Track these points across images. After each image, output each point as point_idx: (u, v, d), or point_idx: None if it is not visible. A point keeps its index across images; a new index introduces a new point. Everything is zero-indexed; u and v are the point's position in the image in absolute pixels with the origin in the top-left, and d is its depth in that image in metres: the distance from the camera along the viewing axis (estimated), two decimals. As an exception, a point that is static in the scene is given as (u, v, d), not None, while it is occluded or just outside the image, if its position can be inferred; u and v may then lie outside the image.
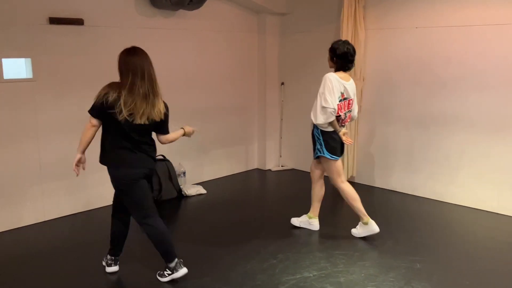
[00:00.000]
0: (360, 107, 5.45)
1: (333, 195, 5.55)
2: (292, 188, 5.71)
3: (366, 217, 3.99)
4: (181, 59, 5.35)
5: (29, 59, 4.19)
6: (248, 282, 3.27)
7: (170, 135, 3.29)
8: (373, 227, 3.96)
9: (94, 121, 3.03)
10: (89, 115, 3.04)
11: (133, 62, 2.99)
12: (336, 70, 3.92)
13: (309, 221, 4.26)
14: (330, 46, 3.94)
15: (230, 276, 3.35)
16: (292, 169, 6.34)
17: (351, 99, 3.94)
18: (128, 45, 4.93)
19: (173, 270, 3.22)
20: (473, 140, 4.72)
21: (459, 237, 4.13)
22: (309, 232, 4.18)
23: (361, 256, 3.67)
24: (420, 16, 4.92)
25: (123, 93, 2.93)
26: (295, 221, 4.32)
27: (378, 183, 5.51)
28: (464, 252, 3.80)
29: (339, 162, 4.04)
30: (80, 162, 3.18)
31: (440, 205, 4.90)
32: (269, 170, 6.34)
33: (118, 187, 3.14)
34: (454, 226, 4.41)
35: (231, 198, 5.11)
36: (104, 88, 3.00)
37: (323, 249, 3.80)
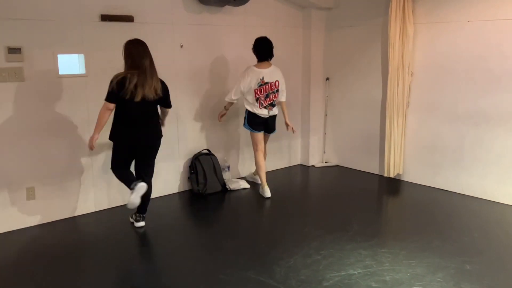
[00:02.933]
0: (408, 102, 5.35)
1: (382, 198, 5.48)
2: (335, 185, 5.66)
3: (265, 184, 5.04)
4: (227, 54, 5.40)
5: (82, 55, 4.36)
6: (292, 276, 3.27)
7: None
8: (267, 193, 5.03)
9: None
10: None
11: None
12: (258, 60, 4.95)
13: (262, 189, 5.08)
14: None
15: (274, 270, 3.37)
16: (336, 166, 6.28)
17: (273, 82, 4.91)
18: (176, 41, 5.06)
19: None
20: (529, 138, 4.52)
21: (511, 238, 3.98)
22: (354, 230, 4.12)
23: (407, 255, 3.59)
24: (473, 9, 4.74)
25: None
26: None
27: (425, 181, 5.37)
28: (517, 254, 3.66)
29: (257, 135, 5.04)
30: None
31: (491, 205, 4.73)
32: (313, 166, 6.30)
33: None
34: (506, 227, 4.23)
35: (274, 193, 5.13)
36: None
37: (368, 247, 3.75)
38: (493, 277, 3.27)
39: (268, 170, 6.01)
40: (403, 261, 3.50)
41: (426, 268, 3.39)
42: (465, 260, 3.50)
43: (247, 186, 5.36)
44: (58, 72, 4.22)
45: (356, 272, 3.33)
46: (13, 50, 3.94)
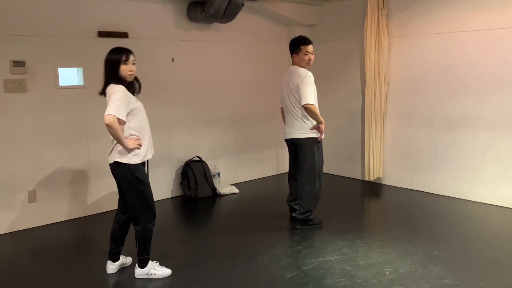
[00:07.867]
0: (385, 110, 5.72)
1: (363, 200, 5.78)
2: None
3: None
4: (216, 68, 5.78)
5: (80, 68, 4.72)
6: (274, 263, 3.58)
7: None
8: None
9: None
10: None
11: None
12: None
13: None
14: None
15: (258, 259, 3.67)
16: (322, 173, 6.59)
17: None
18: (168, 56, 5.41)
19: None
20: (495, 140, 4.88)
21: (479, 231, 4.29)
22: (334, 226, 4.43)
23: (381, 244, 3.91)
24: (440, 22, 5.17)
25: None
26: None
27: (404, 184, 5.71)
28: (482, 243, 3.96)
29: None
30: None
31: (464, 203, 5.06)
32: (299, 173, 6.61)
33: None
34: (475, 222, 4.56)
35: (261, 197, 5.44)
36: None
37: (346, 239, 4.06)
38: (457, 260, 3.58)
39: (258, 177, 6.35)
40: (377, 249, 3.81)
41: (397, 254, 3.70)
42: (433, 248, 3.81)
43: (237, 191, 5.67)
44: (58, 84, 4.57)
45: (333, 259, 3.63)
46: (18, 64, 4.30)
